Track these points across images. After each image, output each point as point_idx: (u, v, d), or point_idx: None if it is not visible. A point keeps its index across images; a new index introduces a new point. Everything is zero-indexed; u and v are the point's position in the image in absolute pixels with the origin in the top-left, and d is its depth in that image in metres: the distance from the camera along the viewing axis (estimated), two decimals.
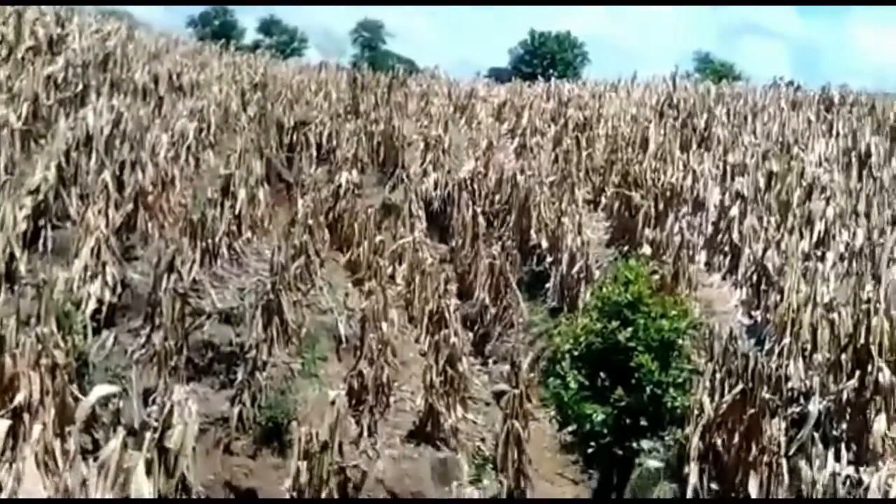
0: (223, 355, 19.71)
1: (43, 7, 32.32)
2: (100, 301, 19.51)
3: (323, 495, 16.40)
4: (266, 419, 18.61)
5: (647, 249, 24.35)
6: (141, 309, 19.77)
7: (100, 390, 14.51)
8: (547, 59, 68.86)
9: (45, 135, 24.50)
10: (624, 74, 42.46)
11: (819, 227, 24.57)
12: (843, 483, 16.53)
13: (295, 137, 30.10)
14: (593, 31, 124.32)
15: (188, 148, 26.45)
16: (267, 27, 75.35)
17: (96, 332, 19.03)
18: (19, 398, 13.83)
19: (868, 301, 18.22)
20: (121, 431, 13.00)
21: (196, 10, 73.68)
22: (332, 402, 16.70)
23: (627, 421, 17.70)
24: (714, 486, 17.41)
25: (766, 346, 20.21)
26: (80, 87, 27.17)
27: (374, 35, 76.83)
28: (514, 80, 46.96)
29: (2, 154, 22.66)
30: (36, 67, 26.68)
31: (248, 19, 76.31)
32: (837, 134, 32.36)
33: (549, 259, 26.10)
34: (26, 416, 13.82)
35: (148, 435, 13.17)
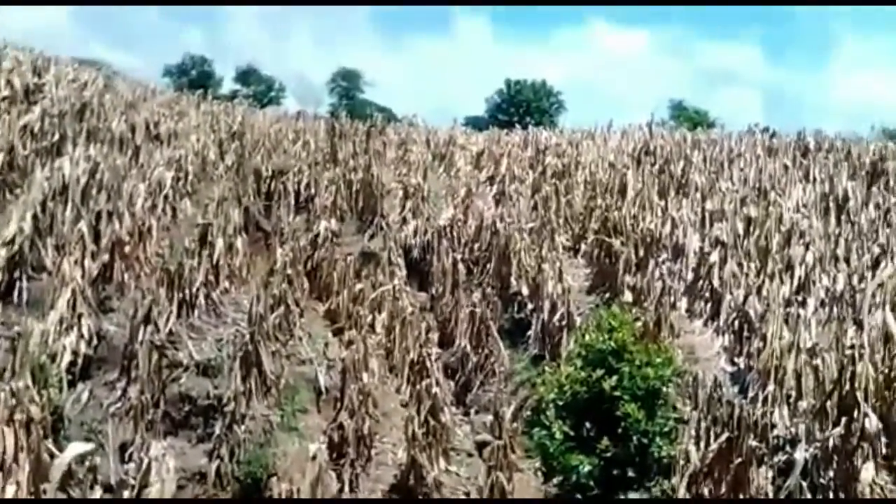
0: (201, 408, 19.34)
1: (19, 56, 32.21)
2: (75, 353, 19.16)
3: None
4: (245, 474, 18.23)
5: (628, 296, 24.27)
6: (117, 361, 19.43)
7: (76, 448, 14.15)
8: (523, 107, 69.39)
9: (21, 185, 24.27)
10: (600, 121, 42.80)
11: (799, 272, 24.57)
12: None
13: (273, 186, 29.95)
14: (568, 80, 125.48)
15: (165, 197, 26.24)
16: (244, 77, 75.60)
17: (71, 385, 18.66)
18: None
19: (852, 346, 18.18)
20: (98, 489, 12.70)
21: (173, 60, 73.87)
22: (313, 457, 16.40)
23: (615, 472, 17.49)
24: None
25: (751, 394, 20.12)
26: (57, 136, 26.98)
27: (352, 84, 77.22)
28: (492, 128, 47.16)
29: None
30: (12, 117, 26.48)
31: (225, 69, 76.34)
32: (814, 179, 32.55)
33: (530, 306, 25.95)
34: (0, 475, 13.47)
35: (126, 493, 12.83)
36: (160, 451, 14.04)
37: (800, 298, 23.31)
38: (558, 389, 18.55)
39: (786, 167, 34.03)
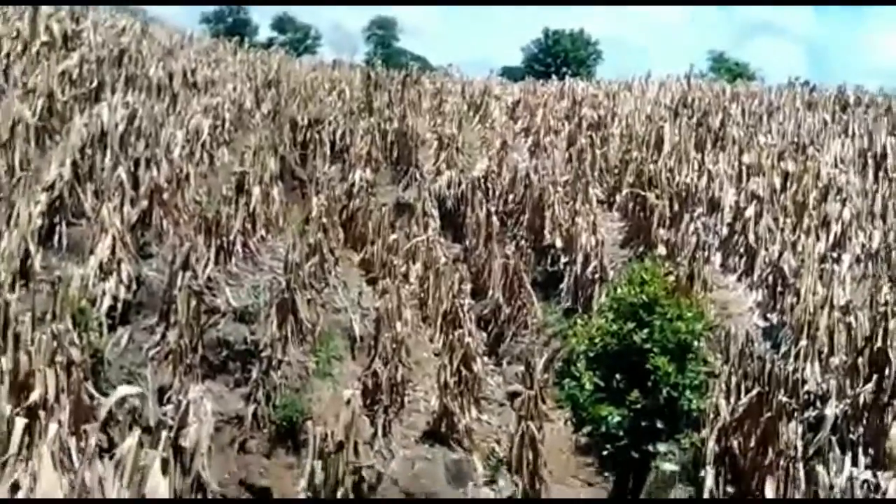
0: (238, 354, 19.66)
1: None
2: (115, 298, 19.45)
3: (338, 495, 16.39)
4: (281, 418, 18.58)
5: (661, 250, 24.25)
6: (156, 306, 19.73)
7: (121, 390, 14.53)
8: (560, 57, 68.70)
9: (60, 131, 24.50)
10: (638, 73, 42.36)
11: (835, 228, 24.48)
12: (861, 487, 16.43)
13: (309, 135, 30.05)
14: (607, 30, 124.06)
15: (202, 145, 26.47)
16: (280, 25, 75.40)
17: (111, 329, 18.96)
18: (35, 396, 13.84)
19: (885, 304, 18.15)
20: (136, 430, 13.02)
21: (210, 8, 73.79)
22: (347, 402, 16.70)
23: (643, 423, 17.60)
24: (730, 489, 17.34)
25: (783, 349, 20.17)
26: (95, 83, 27.17)
27: (388, 32, 76.82)
28: (528, 78, 46.84)
29: (17, 150, 22.66)
30: (50, 63, 26.68)
31: (261, 17, 76.31)
32: (853, 135, 32.20)
33: (563, 259, 26.01)
34: (42, 414, 13.82)
35: (164, 433, 13.12)
36: (198, 393, 14.38)
37: (835, 255, 23.24)
38: (589, 341, 18.62)
39: (825, 122, 33.69)
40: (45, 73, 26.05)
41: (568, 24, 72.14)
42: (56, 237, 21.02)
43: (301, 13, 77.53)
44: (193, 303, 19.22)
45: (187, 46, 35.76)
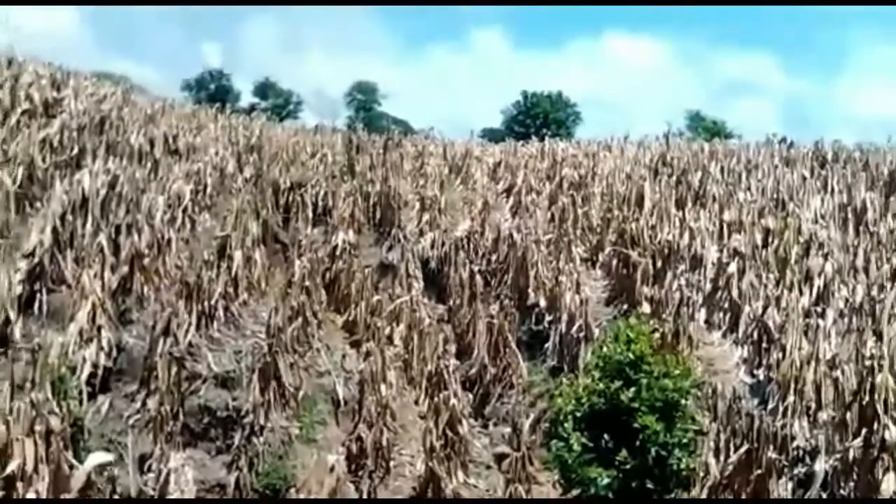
0: (220, 420, 19.44)
1: (39, 70, 32.46)
2: (95, 365, 19.29)
3: None
4: (264, 486, 18.32)
5: (646, 307, 24.18)
6: (137, 373, 19.55)
7: (96, 458, 14.28)
8: (539, 119, 69.29)
9: (41, 198, 24.44)
10: (616, 133, 42.62)
11: (818, 283, 24.48)
12: None
13: (291, 198, 30.08)
14: (584, 89, 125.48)
15: (184, 210, 26.40)
16: (262, 90, 75.87)
17: (91, 397, 18.79)
18: (13, 466, 13.64)
19: (871, 357, 18.09)
20: (117, 500, 12.75)
21: (192, 74, 74.24)
22: (331, 468, 16.47)
23: (633, 484, 17.38)
24: None
25: (770, 405, 20.05)
26: (76, 150, 27.16)
27: (369, 97, 77.40)
28: (508, 139, 47.16)
29: None
30: (31, 131, 26.71)
31: (243, 83, 76.66)
32: (832, 190, 32.40)
33: (547, 318, 25.90)
34: (20, 485, 13.58)
35: None
36: (179, 461, 14.18)
37: (819, 309, 23.21)
38: (576, 401, 18.45)
39: (804, 178, 33.87)
40: (25, 140, 26.05)
41: (546, 86, 72.85)
42: (36, 304, 20.84)
43: (283, 78, 78.00)
44: (174, 369, 19.06)
45: (169, 113, 35.82)
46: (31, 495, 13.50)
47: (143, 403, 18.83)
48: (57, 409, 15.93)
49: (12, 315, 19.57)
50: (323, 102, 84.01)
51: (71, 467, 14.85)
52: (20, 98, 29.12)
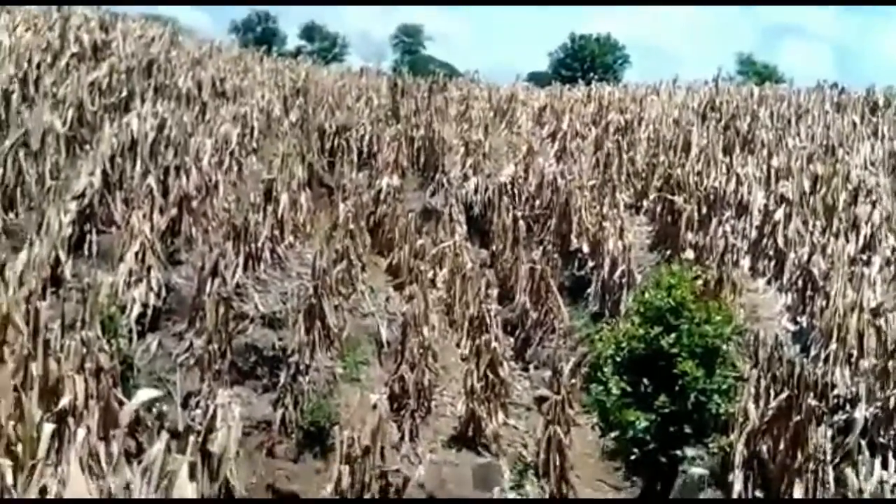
0: (266, 359, 19.76)
1: (88, 12, 32.74)
2: (144, 305, 19.62)
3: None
4: (308, 423, 18.65)
5: (689, 254, 24.08)
6: (185, 313, 19.89)
7: (144, 394, 14.63)
8: (587, 62, 68.62)
9: (90, 140, 24.77)
10: (665, 77, 42.24)
11: (865, 231, 24.24)
12: (891, 491, 16.29)
13: (336, 142, 30.23)
14: (633, 33, 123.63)
15: (231, 153, 26.65)
16: (308, 33, 75.85)
17: (140, 336, 19.14)
18: (64, 402, 13.93)
19: None
20: (164, 435, 13.08)
21: (239, 17, 74.36)
22: (374, 407, 16.72)
23: (671, 428, 17.49)
24: (759, 493, 17.24)
25: (812, 353, 20.05)
26: (125, 93, 27.43)
27: (414, 40, 77.11)
28: (554, 83, 46.83)
29: (47, 159, 22.93)
30: (81, 73, 26.98)
31: (289, 25, 76.71)
32: (883, 137, 31.90)
33: (590, 264, 25.97)
34: (71, 420, 13.93)
35: (192, 438, 13.19)
36: (226, 398, 14.43)
37: (865, 257, 23.02)
38: (616, 346, 18.54)
39: (854, 124, 33.37)
40: (74, 83, 26.33)
41: (594, 29, 71.97)
42: (86, 245, 21.20)
43: (329, 21, 77.94)
44: (222, 309, 19.32)
45: (216, 56, 36.02)
46: (81, 430, 13.83)
47: (191, 343, 19.17)
48: (106, 348, 16.26)
49: (62, 255, 19.94)
50: (368, 45, 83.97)
51: (120, 403, 15.18)
52: (69, 41, 29.40)
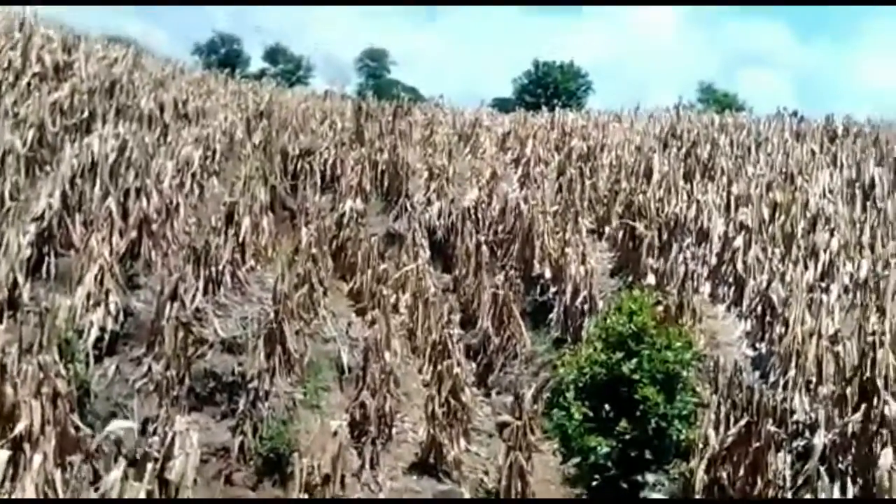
0: (225, 385, 19.61)
1: (50, 33, 32.49)
2: (102, 329, 19.41)
3: None
4: (267, 450, 18.48)
5: (651, 280, 24.29)
6: (143, 337, 19.70)
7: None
8: (550, 89, 69.05)
9: (51, 161, 24.56)
10: (627, 104, 42.60)
11: (823, 258, 24.51)
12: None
13: (299, 165, 30.14)
14: (597, 60, 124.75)
15: (193, 175, 26.50)
16: (272, 56, 75.67)
17: (98, 360, 18.93)
18: (20, 427, 13.79)
19: (873, 333, 18.13)
20: (122, 462, 12.96)
21: (202, 38, 74.12)
22: (335, 433, 16.63)
23: (632, 454, 17.56)
24: None
25: (771, 379, 20.20)
26: (86, 113, 27.25)
27: (379, 63, 77.20)
28: (518, 109, 47.08)
29: (7, 180, 22.69)
30: (42, 94, 26.79)
31: (253, 48, 76.47)
32: (841, 165, 32.31)
33: (552, 289, 26.02)
34: (27, 446, 13.77)
35: (149, 465, 13.08)
36: (184, 425, 14.29)
37: (823, 284, 23.26)
38: (578, 371, 18.60)
39: (813, 152, 33.79)
40: (36, 103, 26.13)
41: (558, 56, 72.53)
42: (44, 267, 20.98)
43: (293, 44, 77.72)
44: (181, 334, 19.18)
45: (179, 77, 35.87)
46: (37, 456, 13.66)
47: (150, 367, 18.97)
48: (64, 372, 16.09)
49: (20, 278, 19.72)
50: (333, 68, 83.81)
51: (77, 429, 15.03)
52: (31, 61, 29.19)
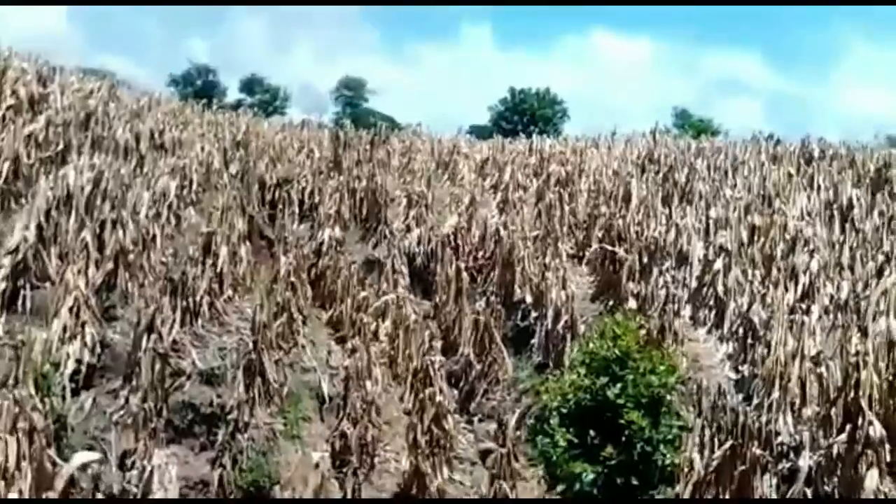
0: (204, 417, 19.37)
1: (24, 65, 32.27)
2: (78, 362, 19.15)
3: None
4: (248, 483, 18.25)
5: (632, 304, 24.24)
6: (120, 370, 19.44)
7: (81, 457, 14.20)
8: (527, 115, 69.36)
9: (25, 194, 24.29)
10: (603, 130, 42.65)
11: (803, 280, 24.53)
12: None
13: (277, 195, 30.02)
14: (572, 89, 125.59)
15: (169, 206, 26.29)
16: (249, 86, 75.67)
17: (75, 393, 18.66)
18: None
19: (856, 354, 18.09)
20: (100, 497, 12.69)
21: (178, 70, 74.04)
22: (316, 465, 16.41)
23: (619, 480, 17.41)
24: None
25: (755, 401, 20.09)
26: (62, 145, 27.00)
27: (356, 93, 77.33)
28: (495, 136, 47.14)
29: None
30: (17, 126, 26.52)
31: (229, 79, 76.49)
32: (818, 187, 32.43)
33: (533, 314, 25.92)
34: (1, 483, 13.48)
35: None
36: (163, 459, 14.07)
37: (804, 306, 23.22)
38: (562, 397, 18.49)
39: (790, 175, 33.90)
40: (10, 136, 25.86)
41: (533, 83, 72.89)
42: (20, 301, 20.70)
43: (270, 75, 77.60)
44: (158, 365, 18.96)
45: (155, 108, 35.65)
46: (13, 494, 13.38)
47: (127, 400, 18.69)
48: (40, 406, 15.84)
49: None
50: (310, 98, 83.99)
51: (54, 464, 14.74)
52: (6, 94, 28.92)
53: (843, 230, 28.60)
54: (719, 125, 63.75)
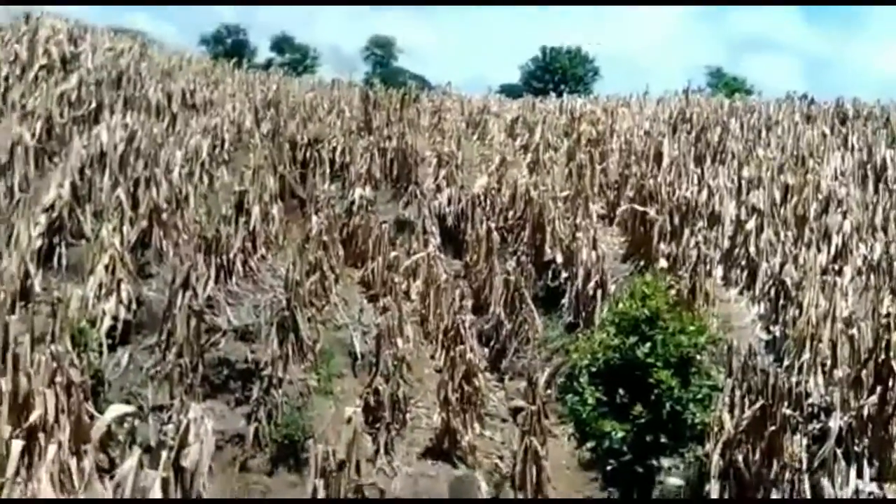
0: (239, 372, 19.61)
1: (56, 25, 32.47)
2: (115, 318, 19.43)
3: None
4: (282, 436, 18.49)
5: (663, 264, 24.18)
6: (156, 326, 19.68)
7: (116, 409, 14.45)
8: (558, 74, 68.93)
9: (59, 152, 24.57)
10: (635, 90, 42.43)
11: (836, 240, 24.45)
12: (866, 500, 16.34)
13: (308, 154, 30.03)
14: (604, 47, 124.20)
15: (202, 165, 26.46)
16: (279, 45, 75.65)
17: (111, 349, 18.94)
18: (34, 417, 13.75)
19: (888, 315, 18.04)
20: (136, 450, 12.95)
21: (209, 30, 74.13)
22: (349, 420, 16.55)
23: (647, 438, 17.49)
24: None
25: (786, 362, 20.12)
26: (94, 104, 27.26)
27: (386, 52, 77.13)
28: (526, 95, 46.92)
29: (16, 172, 22.73)
30: (49, 86, 26.80)
31: (260, 38, 76.59)
32: (852, 147, 32.21)
33: (564, 274, 25.95)
34: (41, 436, 13.74)
35: (164, 453, 13.05)
36: (198, 412, 14.24)
37: (836, 267, 23.19)
38: (591, 356, 18.53)
39: (824, 135, 33.68)
40: (43, 95, 26.15)
41: (565, 42, 72.30)
42: (55, 258, 21.02)
43: (300, 34, 77.72)
44: (193, 322, 19.17)
45: (186, 68, 35.84)
46: (52, 446, 13.64)
47: (163, 356, 18.98)
48: (77, 362, 16.13)
49: (32, 269, 19.73)
50: (340, 57, 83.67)
51: (91, 418, 15.00)
52: (38, 53, 29.19)
53: (876, 191, 28.45)
54: (752, 84, 63.18)
